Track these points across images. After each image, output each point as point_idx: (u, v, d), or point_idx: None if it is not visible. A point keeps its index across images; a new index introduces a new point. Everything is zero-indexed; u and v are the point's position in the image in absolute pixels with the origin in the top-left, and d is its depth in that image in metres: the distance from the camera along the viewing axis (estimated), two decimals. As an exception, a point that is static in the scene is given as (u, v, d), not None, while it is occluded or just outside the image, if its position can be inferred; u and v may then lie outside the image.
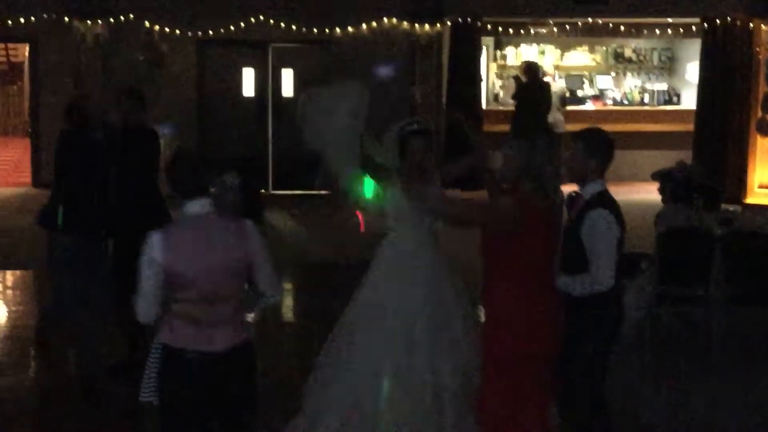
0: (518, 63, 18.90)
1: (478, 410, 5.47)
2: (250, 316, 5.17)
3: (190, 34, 17.38)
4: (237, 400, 4.95)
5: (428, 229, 6.55)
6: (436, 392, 6.38)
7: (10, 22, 17.18)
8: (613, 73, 20.11)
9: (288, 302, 10.84)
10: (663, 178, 9.54)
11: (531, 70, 17.79)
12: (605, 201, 5.81)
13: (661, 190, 9.51)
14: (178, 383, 4.86)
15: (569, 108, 18.60)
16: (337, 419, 6.47)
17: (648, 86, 19.92)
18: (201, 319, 4.77)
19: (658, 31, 18.63)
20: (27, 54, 20.87)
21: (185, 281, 4.76)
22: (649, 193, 11.40)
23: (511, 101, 18.01)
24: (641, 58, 20.13)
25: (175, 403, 4.89)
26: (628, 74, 20.13)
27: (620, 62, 20.17)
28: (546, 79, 18.29)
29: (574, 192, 5.89)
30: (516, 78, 18.05)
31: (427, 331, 6.44)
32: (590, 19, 17.91)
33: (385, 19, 17.43)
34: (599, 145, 5.91)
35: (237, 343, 4.88)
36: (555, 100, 18.06)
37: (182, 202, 4.90)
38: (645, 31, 18.67)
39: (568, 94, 19.02)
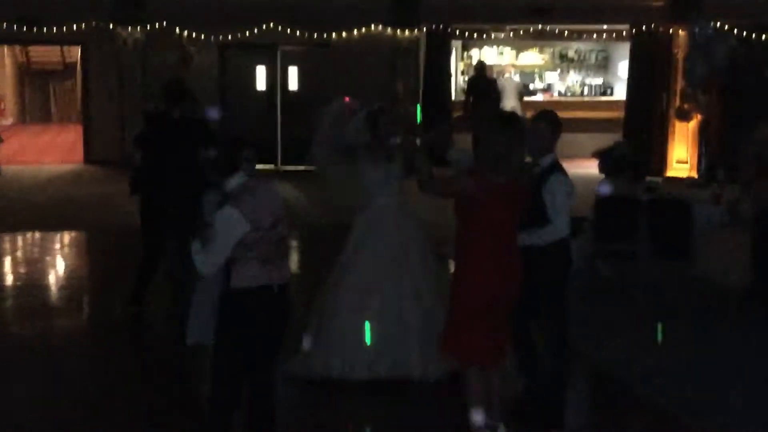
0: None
1: (444, 340, 5.40)
2: None
3: (213, 38, 17.26)
4: (283, 329, 4.94)
5: (393, 188, 6.66)
6: (400, 324, 6.43)
7: (65, 28, 17.05)
8: (558, 70, 20.08)
9: (293, 255, 10.76)
10: (602, 155, 9.52)
11: (477, 67, 17.76)
12: (560, 167, 5.86)
13: (600, 166, 9.50)
14: (248, 316, 4.77)
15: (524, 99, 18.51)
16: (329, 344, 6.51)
17: (587, 81, 19.89)
18: (273, 257, 4.76)
19: (595, 36, 18.61)
20: (79, 55, 20.74)
21: (264, 230, 4.72)
22: (588, 168, 11.36)
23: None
24: (581, 57, 20.09)
25: (239, 337, 4.77)
26: (571, 71, 20.07)
27: (564, 61, 20.13)
28: (502, 75, 18.23)
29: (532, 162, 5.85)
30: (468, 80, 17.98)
31: (394, 273, 6.52)
32: (540, 26, 17.85)
33: (373, 26, 17.33)
34: (557, 123, 5.94)
35: (287, 280, 4.90)
36: (514, 92, 17.97)
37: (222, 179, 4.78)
38: (584, 36, 18.69)
39: (523, 88, 18.94)
